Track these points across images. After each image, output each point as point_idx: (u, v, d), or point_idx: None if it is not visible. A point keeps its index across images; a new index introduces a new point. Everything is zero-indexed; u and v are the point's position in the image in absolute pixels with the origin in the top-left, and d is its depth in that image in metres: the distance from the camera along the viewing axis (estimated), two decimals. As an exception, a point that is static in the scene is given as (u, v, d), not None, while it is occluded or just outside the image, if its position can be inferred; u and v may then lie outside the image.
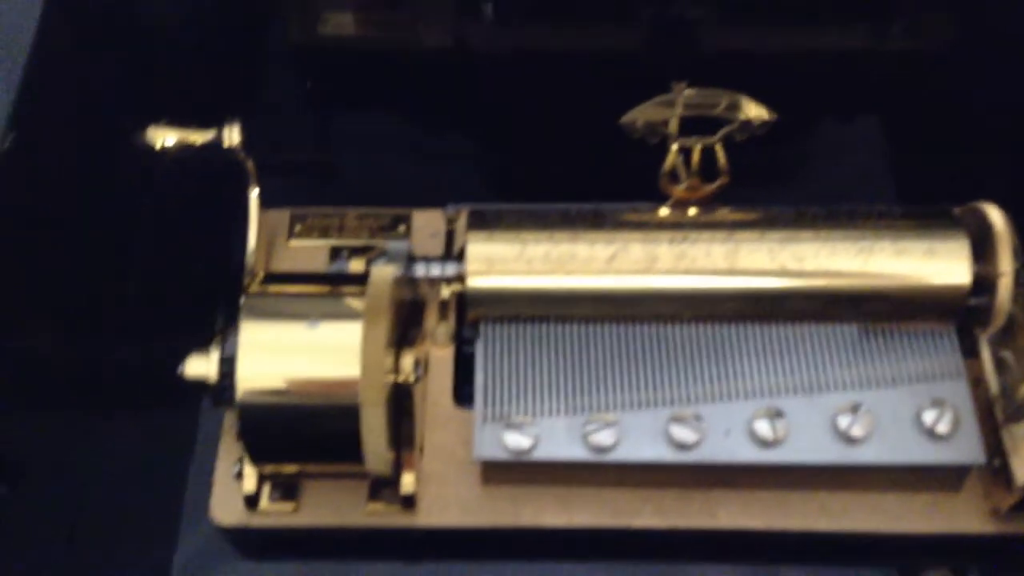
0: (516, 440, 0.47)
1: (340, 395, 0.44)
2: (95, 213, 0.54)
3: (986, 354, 0.50)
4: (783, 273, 0.50)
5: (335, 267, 0.54)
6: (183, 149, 0.48)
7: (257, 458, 0.46)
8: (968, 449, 0.47)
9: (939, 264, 0.49)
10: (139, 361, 0.55)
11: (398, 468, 0.47)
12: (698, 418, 0.48)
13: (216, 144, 0.49)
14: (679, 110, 0.52)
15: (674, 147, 0.53)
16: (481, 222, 0.52)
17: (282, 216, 0.57)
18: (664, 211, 0.53)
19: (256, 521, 0.48)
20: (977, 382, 0.49)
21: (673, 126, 0.53)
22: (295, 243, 0.56)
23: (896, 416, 0.48)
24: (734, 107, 0.53)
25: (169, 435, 0.55)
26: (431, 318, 0.53)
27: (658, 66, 0.58)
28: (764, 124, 0.53)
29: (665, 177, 0.54)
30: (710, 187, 0.54)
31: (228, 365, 0.45)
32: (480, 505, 0.48)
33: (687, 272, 0.50)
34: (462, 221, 0.55)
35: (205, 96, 0.60)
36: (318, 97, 0.63)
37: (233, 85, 0.65)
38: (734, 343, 0.50)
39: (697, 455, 0.47)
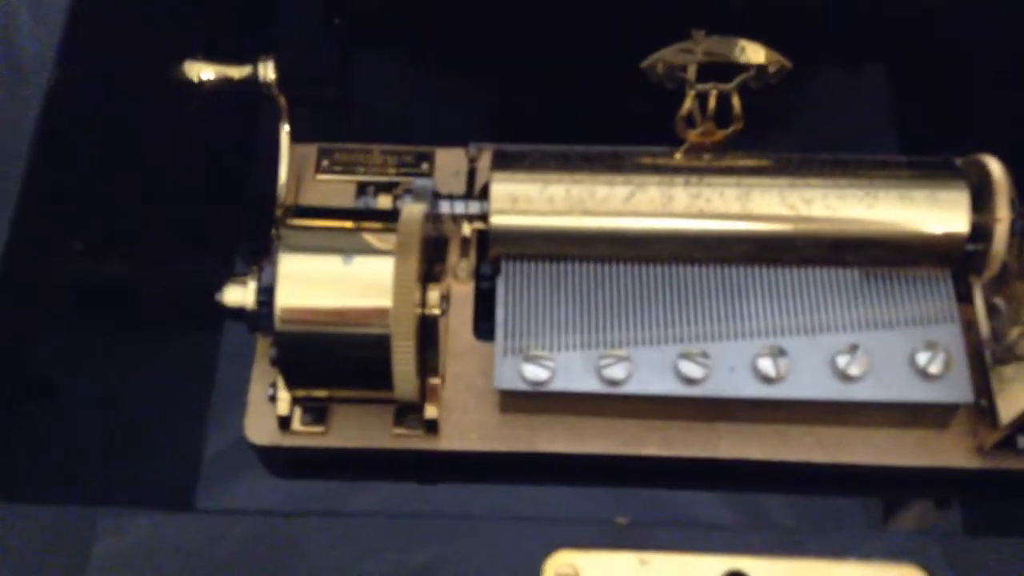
0: (534, 372, 0.50)
1: (372, 326, 0.46)
2: (131, 144, 0.56)
3: (979, 300, 0.53)
4: (792, 217, 0.52)
5: (362, 202, 0.56)
6: (218, 83, 0.50)
7: (292, 383, 0.48)
8: (958, 389, 0.50)
9: (939, 212, 0.52)
10: (167, 283, 0.58)
11: (422, 396, 0.50)
12: (705, 355, 0.50)
13: (251, 79, 0.51)
14: (698, 57, 0.54)
15: (691, 93, 0.55)
16: (504, 162, 0.54)
17: (309, 151, 0.59)
18: (679, 155, 0.55)
19: (288, 441, 0.51)
20: (969, 326, 0.52)
21: (691, 72, 0.55)
22: (322, 177, 0.59)
23: (892, 356, 0.51)
24: (751, 55, 0.55)
25: (195, 352, 0.58)
26: (453, 254, 0.56)
27: (678, 13, 0.60)
28: (780, 72, 0.55)
29: (681, 121, 0.56)
30: (724, 132, 0.56)
31: (265, 294, 0.47)
32: (498, 431, 0.51)
33: (700, 214, 0.52)
34: (483, 160, 0.57)
35: (229, 29, 0.62)
36: (343, 33, 0.64)
37: (256, 18, 0.66)
38: (742, 284, 0.52)
39: (703, 390, 0.50)
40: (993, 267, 0.52)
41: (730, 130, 0.56)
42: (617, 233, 0.52)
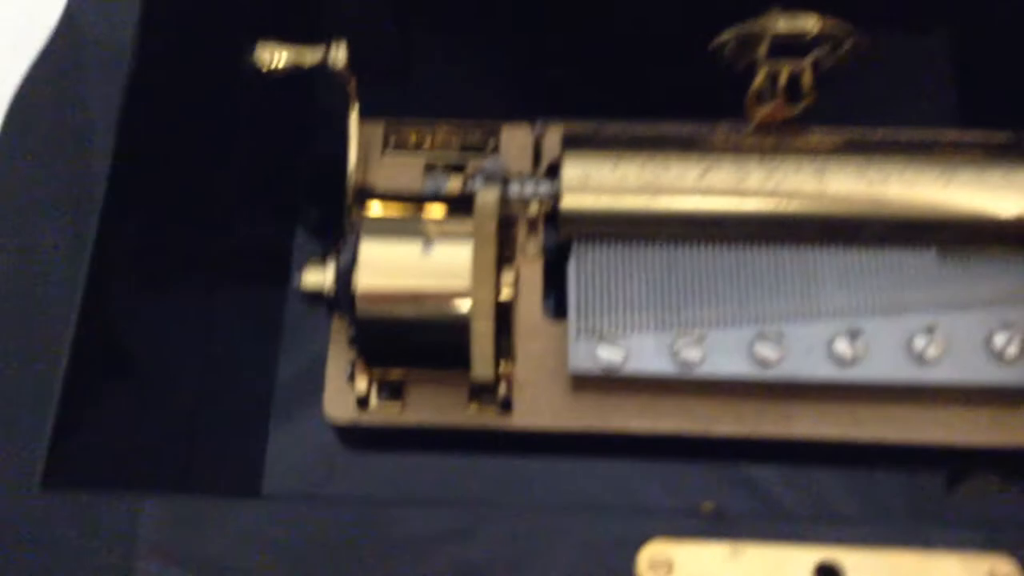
0: (608, 354, 0.50)
1: (450, 310, 0.47)
2: (202, 119, 0.57)
3: (1056, 280, 0.52)
4: (867, 196, 0.52)
5: (432, 184, 0.56)
6: (289, 67, 0.50)
7: (371, 364, 0.49)
8: (1034, 371, 0.50)
9: (1016, 192, 0.51)
10: (234, 245, 0.59)
11: (496, 376, 0.50)
12: (781, 336, 0.50)
13: (322, 63, 0.51)
14: (771, 34, 0.54)
15: (763, 70, 0.54)
16: (575, 141, 0.54)
17: (375, 128, 0.59)
18: (750, 132, 0.55)
19: (366, 419, 0.51)
20: (1047, 307, 0.52)
21: (763, 49, 0.54)
22: (388, 156, 0.59)
23: (968, 338, 0.50)
24: (825, 31, 0.54)
25: (261, 312, 0.59)
26: (520, 233, 0.56)
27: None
28: (855, 48, 0.54)
29: (752, 99, 0.55)
30: (795, 108, 0.55)
31: (344, 278, 0.48)
32: (570, 410, 0.52)
33: (775, 193, 0.52)
34: (550, 137, 0.57)
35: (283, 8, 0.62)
36: (403, 4, 0.64)
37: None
38: (816, 264, 0.52)
39: (779, 372, 0.50)
40: (1069, 247, 0.52)
41: (801, 106, 0.56)
42: (691, 213, 0.52)
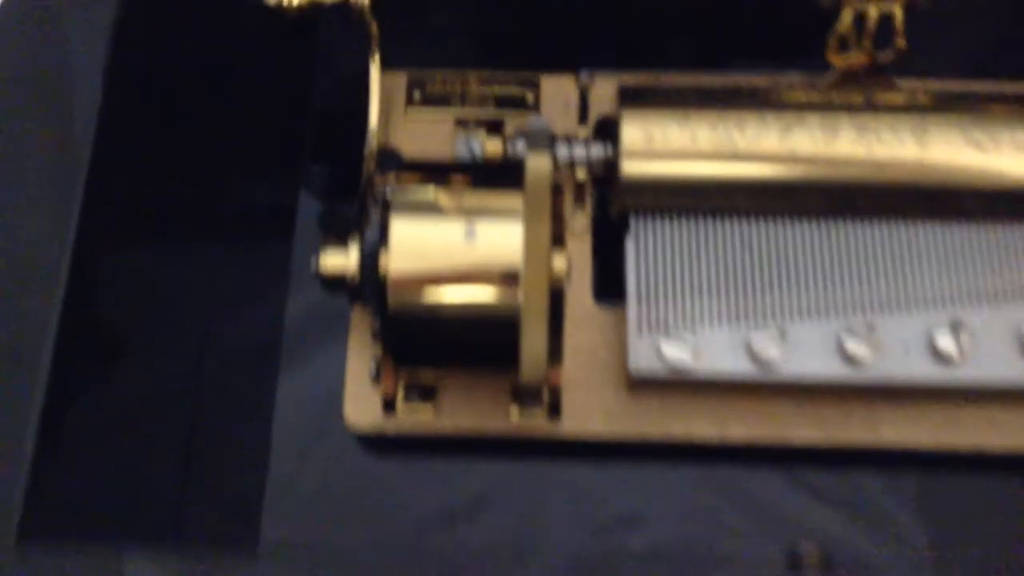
0: (674, 352, 0.43)
1: (498, 300, 0.40)
2: (195, 68, 0.50)
3: None
4: (977, 162, 0.44)
5: (465, 146, 0.48)
6: (306, 7, 0.43)
7: (401, 363, 0.42)
8: None
9: None
10: (236, 199, 0.53)
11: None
12: (873, 329, 0.43)
13: (343, 4, 0.43)
14: None
15: (848, 10, 0.47)
16: (632, 95, 0.46)
17: (398, 80, 0.52)
18: (832, 82, 0.48)
19: (393, 425, 0.44)
20: None
21: (846, -10, 0.47)
22: (414, 112, 0.51)
23: (1091, 332, 0.43)
24: (923, -30, 0.46)
25: (264, 263, 0.52)
26: (566, 205, 0.48)
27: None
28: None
29: (834, 44, 0.48)
30: (885, 56, 0.48)
31: (370, 261, 0.41)
32: (626, 413, 0.45)
33: (869, 156, 0.44)
34: (598, 89, 0.49)
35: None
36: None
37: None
38: (914, 243, 0.45)
39: (872, 373, 0.43)
40: None
41: (891, 53, 0.48)
42: (771, 180, 0.45)
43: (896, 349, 0.43)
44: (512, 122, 0.50)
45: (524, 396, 0.44)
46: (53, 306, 0.39)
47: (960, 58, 0.54)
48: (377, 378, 0.43)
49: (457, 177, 0.41)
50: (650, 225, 0.45)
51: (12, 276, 0.42)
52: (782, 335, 0.43)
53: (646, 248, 0.45)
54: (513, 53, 0.54)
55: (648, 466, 0.46)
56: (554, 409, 0.44)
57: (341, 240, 0.42)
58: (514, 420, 0.45)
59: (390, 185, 0.42)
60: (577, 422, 0.45)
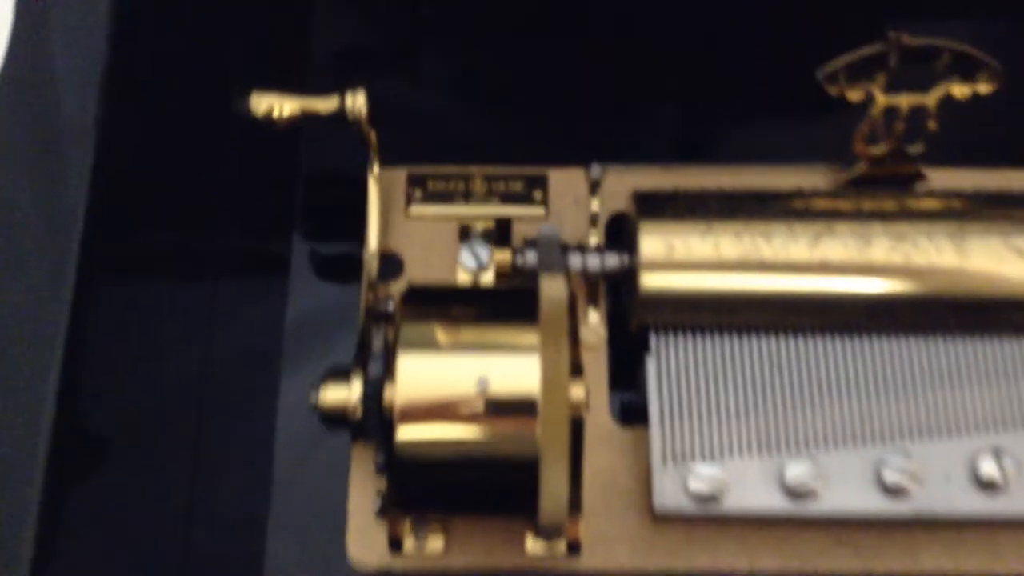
0: (702, 487, 0.40)
1: (514, 439, 0.37)
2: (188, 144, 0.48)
3: None
4: (1020, 273, 0.41)
5: (470, 257, 0.45)
6: (297, 117, 0.40)
7: (406, 507, 0.39)
8: None
9: None
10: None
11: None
12: (911, 456, 0.41)
13: (339, 112, 0.40)
14: (892, 62, 0.43)
15: (879, 105, 0.44)
16: (651, 204, 0.43)
17: (397, 177, 0.49)
18: (856, 174, 0.45)
19: (400, 564, 0.41)
20: None
21: (881, 80, 0.44)
22: (416, 211, 0.48)
23: None
24: (958, 61, 0.44)
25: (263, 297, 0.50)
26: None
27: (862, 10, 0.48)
28: (991, 80, 0.44)
29: (862, 138, 0.45)
30: (915, 150, 0.46)
31: (374, 396, 0.37)
32: (650, 545, 0.42)
33: (906, 265, 0.41)
34: (610, 184, 0.47)
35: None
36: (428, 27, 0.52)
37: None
38: (953, 361, 0.42)
39: (914, 504, 0.40)
40: None
41: (920, 148, 0.46)
42: (802, 294, 0.42)
43: (937, 477, 0.40)
44: (520, 221, 0.47)
45: (542, 530, 0.41)
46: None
47: (992, 147, 0.51)
48: (382, 513, 0.40)
49: (460, 309, 0.38)
50: (672, 343, 0.42)
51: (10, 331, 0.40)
52: (816, 465, 0.40)
53: (668, 369, 0.42)
54: (518, 147, 0.50)
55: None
56: (573, 547, 0.41)
57: (342, 373, 0.39)
58: (530, 555, 0.42)
59: (396, 314, 0.39)
60: (598, 556, 0.42)
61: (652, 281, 0.42)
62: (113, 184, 0.43)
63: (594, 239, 0.46)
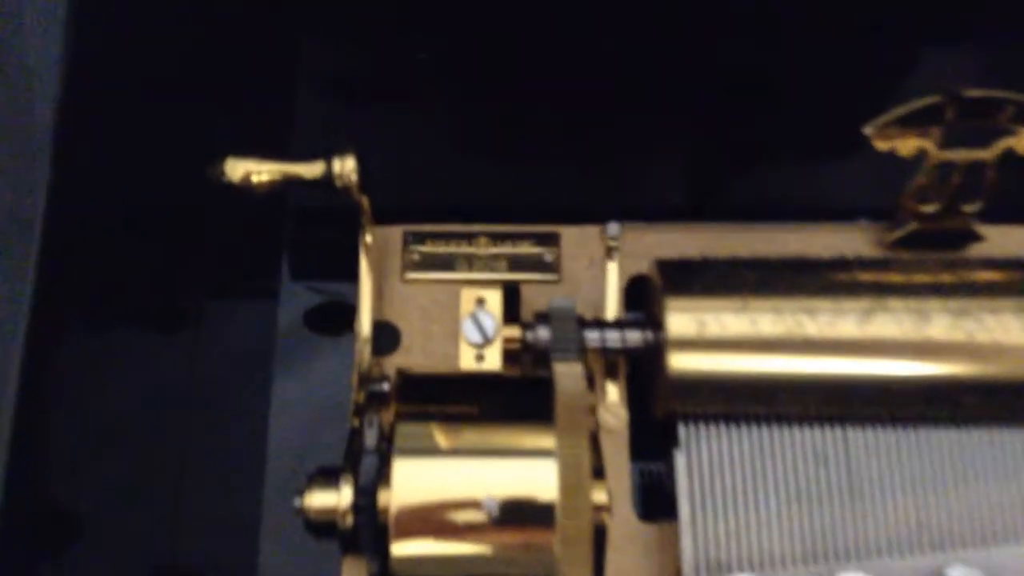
0: (742, 604, 0.35)
1: (528, 558, 0.32)
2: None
3: None
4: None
5: (474, 332, 0.40)
6: (278, 183, 0.35)
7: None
8: None
9: None
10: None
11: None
12: (980, 567, 0.36)
13: (325, 178, 0.35)
14: (949, 116, 0.39)
15: (933, 160, 0.40)
16: (678, 274, 0.38)
17: (392, 236, 0.44)
18: (904, 234, 0.41)
19: None
20: None
21: (936, 134, 0.39)
22: (413, 276, 0.43)
23: None
24: (1022, 114, 0.39)
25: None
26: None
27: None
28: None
29: (912, 195, 0.41)
30: (970, 209, 0.41)
31: (366, 504, 0.32)
32: (681, 664, 0.37)
33: (969, 345, 0.36)
34: (629, 243, 0.42)
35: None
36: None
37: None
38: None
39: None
40: None
41: (976, 208, 0.41)
42: (852, 379, 0.37)
43: (1016, 591, 0.35)
44: (529, 285, 0.42)
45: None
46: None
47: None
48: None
49: (464, 403, 0.33)
50: (704, 433, 0.37)
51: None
52: (872, 577, 0.35)
53: (700, 464, 0.37)
54: (525, 202, 0.45)
55: None
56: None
57: (330, 478, 0.34)
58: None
59: (391, 401, 0.34)
60: (620, 677, 0.37)
61: (681, 363, 0.37)
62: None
63: (611, 306, 0.41)
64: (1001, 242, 0.43)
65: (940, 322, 0.37)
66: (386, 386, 0.39)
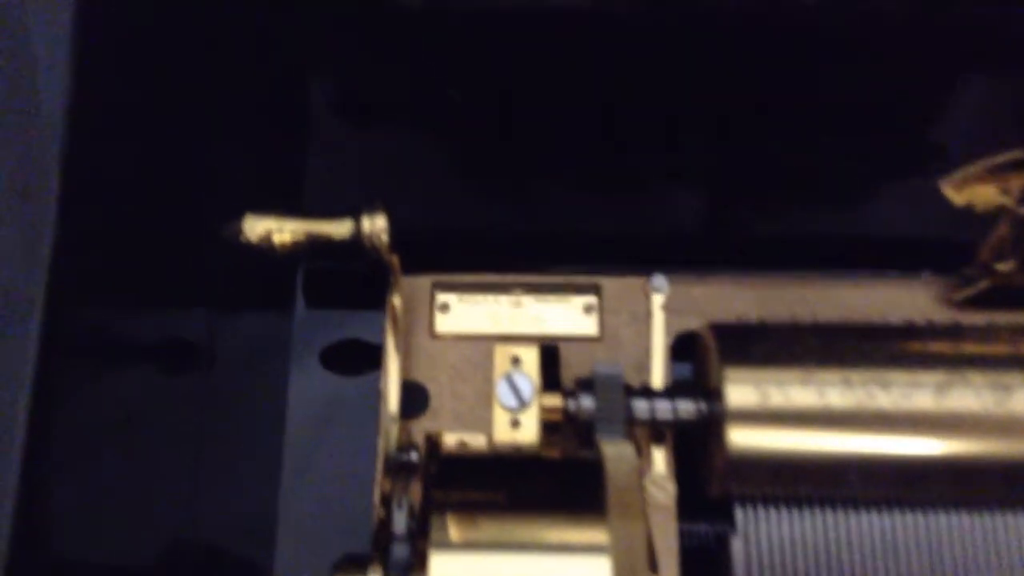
0: None
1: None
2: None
3: None
4: None
5: (509, 395, 0.37)
6: (305, 243, 0.31)
7: None
8: None
9: None
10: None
11: None
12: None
13: (352, 239, 0.31)
14: None
15: (1013, 217, 0.36)
16: (735, 341, 0.35)
17: (420, 287, 0.40)
18: (975, 292, 0.38)
19: None
20: None
21: (1017, 189, 0.36)
22: (443, 331, 0.40)
23: None
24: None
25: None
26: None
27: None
28: None
29: (989, 252, 0.38)
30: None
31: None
32: None
33: None
34: (675, 297, 0.39)
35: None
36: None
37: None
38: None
39: None
40: None
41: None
42: (930, 456, 0.33)
43: None
44: (568, 341, 0.39)
45: None
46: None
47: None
48: None
49: (505, 490, 0.30)
50: (764, 518, 0.34)
51: None
52: None
53: (759, 552, 0.34)
54: (563, 249, 0.42)
55: None
56: None
57: (358, 567, 0.30)
58: None
59: (421, 473, 0.31)
60: None
61: (741, 438, 0.33)
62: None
63: (657, 369, 0.38)
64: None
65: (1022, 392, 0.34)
66: (414, 455, 0.35)
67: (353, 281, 0.46)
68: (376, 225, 0.31)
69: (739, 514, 0.34)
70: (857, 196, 0.45)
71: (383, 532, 0.31)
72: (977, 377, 0.34)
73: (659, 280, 0.40)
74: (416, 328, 0.40)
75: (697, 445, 0.36)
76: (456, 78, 0.40)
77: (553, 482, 0.31)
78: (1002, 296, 0.39)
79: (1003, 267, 0.38)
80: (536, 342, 0.39)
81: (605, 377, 0.35)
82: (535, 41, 0.37)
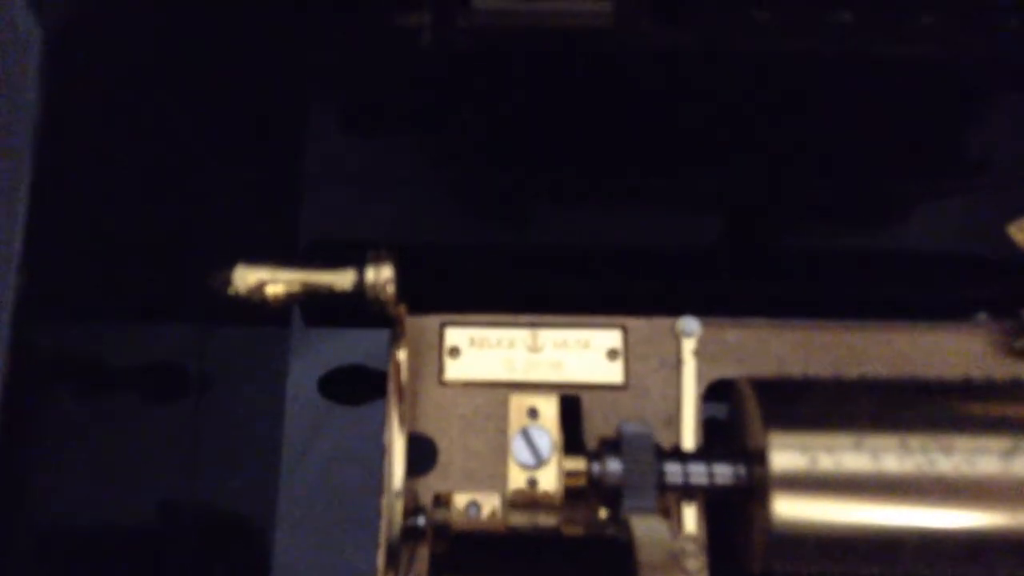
0: None
1: None
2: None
3: None
4: None
5: (526, 447, 0.33)
6: (300, 295, 0.28)
7: None
8: None
9: None
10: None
11: None
12: None
13: (357, 291, 0.28)
14: None
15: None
16: (778, 400, 0.31)
17: (428, 328, 0.37)
18: None
19: None
20: None
21: (1087, 233, 0.33)
22: (453, 377, 0.36)
23: None
24: None
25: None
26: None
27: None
28: None
29: None
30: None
31: None
32: None
33: None
34: (708, 343, 0.35)
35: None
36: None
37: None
38: None
39: None
40: None
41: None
42: (994, 528, 0.30)
43: None
44: (589, 391, 0.36)
45: None
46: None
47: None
48: None
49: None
50: (812, 599, 0.30)
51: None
52: None
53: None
54: (583, 292, 0.39)
55: None
56: None
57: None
58: None
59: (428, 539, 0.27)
60: None
61: (787, 509, 0.30)
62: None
63: (689, 424, 0.34)
64: None
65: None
66: (421, 520, 0.32)
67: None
68: (382, 276, 0.28)
69: (784, 594, 0.31)
70: (895, 213, 0.42)
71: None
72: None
73: (690, 322, 0.36)
74: (423, 374, 0.36)
75: (735, 514, 0.33)
76: (468, 101, 0.37)
77: (580, 565, 0.28)
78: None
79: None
80: (555, 390, 0.35)
81: (633, 437, 0.32)
82: (554, 66, 0.34)
